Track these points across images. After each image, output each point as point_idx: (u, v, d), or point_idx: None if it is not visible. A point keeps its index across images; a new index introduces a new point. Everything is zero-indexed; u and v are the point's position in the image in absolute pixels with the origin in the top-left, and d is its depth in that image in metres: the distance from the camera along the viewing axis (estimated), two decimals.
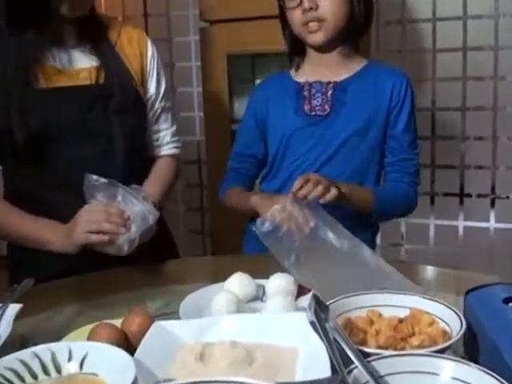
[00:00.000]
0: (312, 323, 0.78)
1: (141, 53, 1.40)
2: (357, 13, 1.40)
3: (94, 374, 0.73)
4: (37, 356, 0.76)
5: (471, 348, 0.79)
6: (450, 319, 0.81)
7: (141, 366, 0.73)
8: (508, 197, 2.22)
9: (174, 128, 1.49)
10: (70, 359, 0.76)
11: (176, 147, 1.49)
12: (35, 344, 0.77)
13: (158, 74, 1.42)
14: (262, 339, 0.80)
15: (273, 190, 1.50)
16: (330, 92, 1.45)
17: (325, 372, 0.67)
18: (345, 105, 1.43)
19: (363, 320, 0.84)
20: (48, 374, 0.75)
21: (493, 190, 2.22)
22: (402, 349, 0.77)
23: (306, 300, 0.87)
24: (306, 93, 1.47)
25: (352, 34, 1.44)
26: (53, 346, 0.78)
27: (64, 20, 1.26)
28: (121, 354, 0.73)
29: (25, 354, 0.76)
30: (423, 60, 2.17)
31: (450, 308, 0.83)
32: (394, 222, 2.04)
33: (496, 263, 2.17)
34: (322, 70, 1.48)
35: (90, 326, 0.88)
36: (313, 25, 1.39)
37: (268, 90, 1.55)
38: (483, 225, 2.24)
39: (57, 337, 0.87)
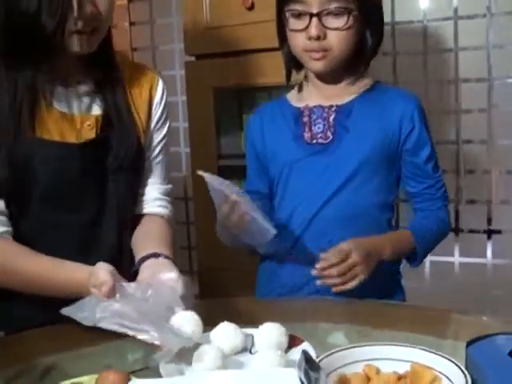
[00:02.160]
0: (302, 382, 0.71)
1: (150, 98, 1.27)
2: (367, 46, 1.30)
3: None
4: None
5: None
6: (454, 376, 0.74)
7: None
8: None
9: (168, 186, 1.33)
10: None
11: (164, 206, 1.31)
12: None
13: (163, 122, 1.30)
14: None
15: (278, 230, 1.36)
16: (332, 117, 1.33)
17: None
18: (348, 131, 1.32)
19: (359, 377, 0.77)
20: None
21: None
22: None
23: (297, 353, 0.80)
24: (305, 119, 1.36)
25: (358, 64, 1.33)
26: None
27: (70, 57, 1.13)
28: None
29: None
30: (446, 90, 2.10)
31: (455, 363, 0.76)
32: None
33: None
34: (322, 93, 1.37)
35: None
36: (318, 53, 1.27)
37: (263, 117, 1.43)
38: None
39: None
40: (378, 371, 0.79)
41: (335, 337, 1.04)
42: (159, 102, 1.28)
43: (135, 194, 1.27)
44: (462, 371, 0.73)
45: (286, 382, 0.73)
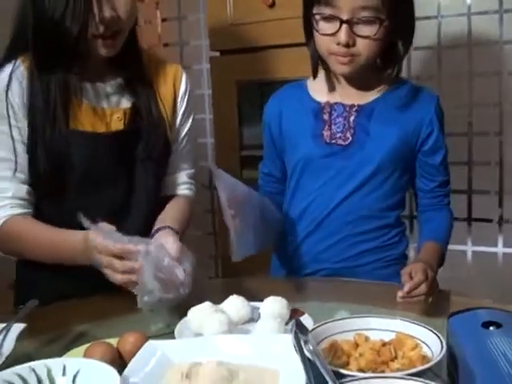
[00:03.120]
0: (294, 344, 0.81)
1: (175, 92, 1.34)
2: (398, 53, 1.28)
3: None
4: (33, 371, 0.80)
5: (452, 372, 0.81)
6: (432, 343, 0.83)
7: (127, 381, 0.76)
8: None
9: (193, 170, 1.44)
10: (64, 374, 0.80)
11: (190, 189, 1.43)
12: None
13: (188, 114, 1.38)
14: (248, 360, 0.83)
15: (288, 227, 1.41)
16: (352, 117, 1.32)
17: None
18: (368, 134, 1.31)
19: (349, 343, 0.86)
20: None
21: None
22: (382, 372, 0.80)
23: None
24: (326, 116, 1.34)
25: (386, 68, 1.32)
26: (49, 361, 0.82)
27: (98, 58, 1.21)
28: (110, 371, 0.77)
29: (22, 368, 0.81)
30: (460, 85, 2.14)
31: (434, 332, 0.85)
32: None
33: None
34: (344, 90, 1.35)
35: (88, 345, 0.91)
36: (344, 58, 1.24)
37: (282, 103, 1.41)
38: None
39: (59, 355, 0.91)
40: (366, 339, 0.88)
41: (340, 315, 1.11)
42: (183, 94, 1.36)
43: (160, 181, 1.35)
44: (440, 339, 0.82)
45: (281, 347, 0.83)
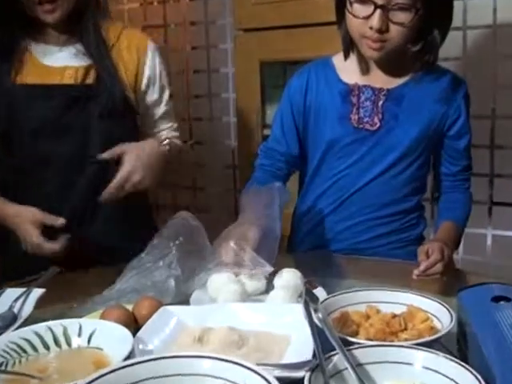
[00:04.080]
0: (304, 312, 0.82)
1: (139, 59, 1.40)
2: (434, 42, 1.25)
3: (99, 349, 0.80)
4: (50, 329, 0.83)
5: (462, 346, 0.81)
6: (443, 316, 0.84)
7: (141, 344, 0.79)
8: None
9: (176, 125, 1.54)
10: (79, 334, 0.83)
11: (176, 137, 1.52)
12: None
13: (160, 80, 1.45)
14: (259, 327, 0.85)
15: (303, 209, 1.43)
16: (381, 101, 1.30)
17: (308, 357, 0.71)
18: (397, 120, 1.29)
19: (360, 314, 0.87)
20: (59, 345, 0.83)
21: None
22: (390, 341, 0.80)
23: None
24: (354, 99, 1.31)
25: (422, 54, 1.28)
26: (65, 321, 0.85)
27: (46, 23, 1.30)
28: (123, 331, 0.80)
29: (39, 327, 0.84)
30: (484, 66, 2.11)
31: (445, 306, 0.85)
32: None
33: None
34: (373, 73, 1.32)
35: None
36: (375, 44, 1.21)
37: (309, 81, 1.36)
38: None
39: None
40: (378, 311, 0.89)
41: None
42: (153, 63, 1.43)
43: (119, 138, 1.35)
44: (450, 312, 0.83)
45: (293, 316, 0.85)
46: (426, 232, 1.48)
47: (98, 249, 1.34)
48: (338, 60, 1.37)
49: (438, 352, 0.71)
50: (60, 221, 1.25)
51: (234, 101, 2.55)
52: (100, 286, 1.14)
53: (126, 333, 0.79)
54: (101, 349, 0.80)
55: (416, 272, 1.15)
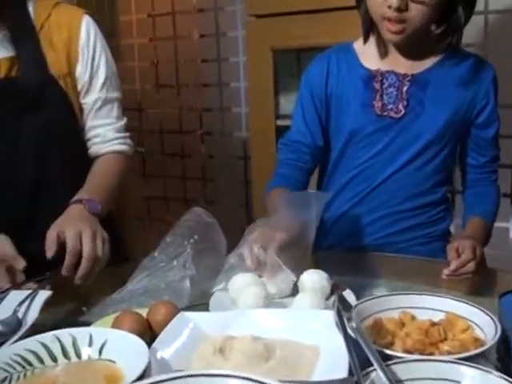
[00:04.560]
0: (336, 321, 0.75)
1: (70, 37, 1.23)
2: (459, 20, 1.18)
3: (111, 361, 0.73)
4: (58, 339, 0.77)
5: (503, 356, 0.74)
6: (486, 325, 0.77)
7: (158, 354, 0.72)
8: None
9: (123, 122, 1.32)
10: (90, 345, 0.76)
11: (123, 143, 1.31)
12: None
13: (93, 61, 1.25)
14: (285, 335, 0.78)
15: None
16: (405, 87, 1.24)
17: (343, 374, 0.64)
18: (423, 107, 1.24)
19: (394, 322, 0.80)
20: (68, 357, 0.76)
21: None
22: (430, 354, 0.73)
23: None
24: (377, 85, 1.25)
25: (445, 36, 1.22)
26: (74, 330, 0.78)
27: None
28: (138, 342, 0.73)
29: (46, 336, 0.77)
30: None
31: (487, 313, 0.78)
32: None
33: None
34: (397, 58, 1.25)
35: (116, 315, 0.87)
36: (394, 26, 1.15)
37: (329, 66, 1.30)
38: None
39: (87, 325, 0.88)
40: (413, 318, 0.82)
41: (380, 291, 1.05)
42: (85, 42, 1.25)
43: (58, 135, 1.24)
44: (494, 321, 0.76)
45: (323, 323, 0.78)
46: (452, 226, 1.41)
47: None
48: (359, 45, 1.31)
49: (489, 370, 0.63)
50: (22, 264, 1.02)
51: (245, 90, 2.48)
52: (109, 286, 1.09)
53: (140, 344, 0.72)
54: (113, 361, 0.73)
55: (446, 271, 1.07)
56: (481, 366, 0.65)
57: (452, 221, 1.39)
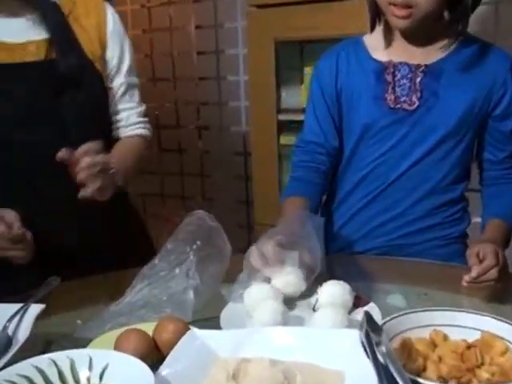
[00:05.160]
0: (364, 344, 0.68)
1: (99, 23, 1.26)
2: (465, 4, 1.12)
3: None
4: (54, 363, 0.70)
5: None
6: None
7: (165, 380, 0.65)
8: None
9: (143, 108, 1.35)
10: (90, 369, 0.69)
11: (144, 128, 1.35)
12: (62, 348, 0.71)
13: (121, 47, 1.29)
14: (306, 358, 0.71)
15: (334, 204, 1.31)
16: (419, 78, 1.19)
17: None
18: (437, 97, 1.18)
19: (425, 343, 0.73)
20: (65, 383, 0.68)
21: None
22: (468, 382, 0.66)
23: (361, 314, 0.77)
24: (389, 77, 1.20)
25: (452, 21, 1.16)
26: (73, 353, 0.71)
27: None
28: (143, 367, 0.65)
29: (41, 360, 0.70)
30: None
31: None
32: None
33: None
34: (408, 48, 1.20)
35: (119, 331, 0.80)
36: (400, 11, 1.10)
37: (339, 62, 1.25)
38: None
39: (84, 342, 0.80)
40: (445, 338, 0.75)
41: (394, 298, 1.01)
42: (113, 28, 1.28)
43: (98, 113, 1.28)
44: None
45: (347, 344, 0.70)
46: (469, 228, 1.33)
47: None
48: (369, 38, 1.26)
49: None
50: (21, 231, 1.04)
51: (245, 84, 2.41)
52: (106, 297, 1.01)
53: (145, 369, 0.65)
54: None
55: (467, 278, 0.99)
56: None
57: (470, 222, 1.31)
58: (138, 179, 2.76)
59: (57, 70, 1.18)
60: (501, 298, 0.99)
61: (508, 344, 0.72)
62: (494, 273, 0.99)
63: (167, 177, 2.78)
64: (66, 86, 1.19)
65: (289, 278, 0.92)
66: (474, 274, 0.97)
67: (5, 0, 1.18)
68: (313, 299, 0.91)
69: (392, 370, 0.62)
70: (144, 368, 0.65)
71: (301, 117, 1.51)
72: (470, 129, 1.21)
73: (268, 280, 0.94)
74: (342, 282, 0.89)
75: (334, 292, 0.87)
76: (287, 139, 2.04)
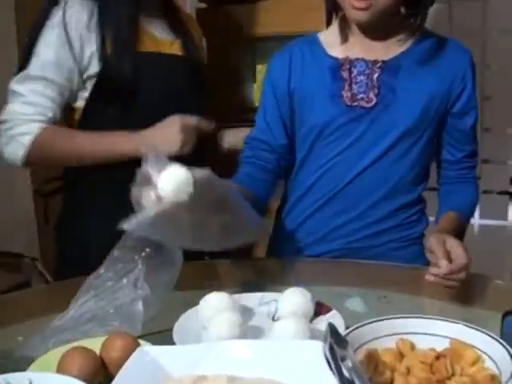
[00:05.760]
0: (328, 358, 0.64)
1: (197, 31, 1.50)
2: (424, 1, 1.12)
3: None
4: None
5: None
6: (499, 356, 0.67)
7: None
8: None
9: None
10: None
11: None
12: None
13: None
14: (267, 373, 0.66)
15: (288, 205, 1.28)
16: (376, 74, 1.16)
17: None
18: (395, 94, 1.16)
19: (391, 353, 0.69)
20: None
21: None
22: None
23: (323, 322, 0.73)
24: (345, 74, 1.17)
25: (410, 16, 1.16)
26: (11, 376, 0.64)
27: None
28: None
29: None
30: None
31: (499, 342, 0.68)
32: None
33: None
34: (365, 44, 1.19)
35: (64, 348, 0.74)
36: (359, 3, 1.08)
37: (292, 59, 1.23)
38: None
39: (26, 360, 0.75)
40: (412, 347, 0.72)
41: (353, 302, 0.99)
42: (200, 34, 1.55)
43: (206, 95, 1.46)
44: (509, 352, 0.66)
45: (309, 357, 0.66)
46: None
47: None
48: (324, 35, 1.24)
49: None
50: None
51: None
52: (48, 308, 0.95)
53: None
54: None
55: (434, 271, 0.93)
56: None
57: (428, 224, 1.29)
58: None
59: (190, 65, 1.38)
60: (463, 299, 0.97)
61: (478, 352, 0.69)
62: (463, 274, 0.94)
63: None
64: (195, 81, 1.38)
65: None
66: (445, 269, 0.91)
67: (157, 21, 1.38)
68: (272, 307, 0.86)
69: None
70: None
71: (253, 115, 1.47)
72: (429, 126, 1.18)
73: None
74: (302, 289, 0.84)
75: (294, 300, 0.82)
76: None
